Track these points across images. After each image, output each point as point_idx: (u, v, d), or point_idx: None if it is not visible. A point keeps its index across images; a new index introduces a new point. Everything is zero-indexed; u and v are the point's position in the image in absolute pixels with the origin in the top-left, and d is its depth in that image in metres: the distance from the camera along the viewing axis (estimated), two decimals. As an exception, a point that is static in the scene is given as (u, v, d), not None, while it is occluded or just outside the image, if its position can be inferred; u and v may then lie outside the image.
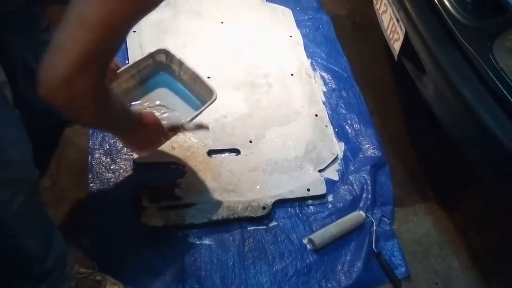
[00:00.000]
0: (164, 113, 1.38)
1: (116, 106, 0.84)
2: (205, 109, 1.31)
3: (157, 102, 1.40)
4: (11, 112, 0.91)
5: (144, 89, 1.40)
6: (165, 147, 1.51)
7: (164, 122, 1.13)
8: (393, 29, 1.61)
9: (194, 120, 1.28)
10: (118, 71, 1.30)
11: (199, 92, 1.38)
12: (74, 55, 0.64)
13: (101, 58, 0.68)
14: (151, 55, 1.38)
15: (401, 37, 1.54)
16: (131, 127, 0.99)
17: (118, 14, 0.64)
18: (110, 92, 0.79)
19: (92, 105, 0.72)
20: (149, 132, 1.05)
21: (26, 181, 0.93)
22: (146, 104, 1.38)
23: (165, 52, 1.38)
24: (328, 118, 1.81)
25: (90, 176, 1.47)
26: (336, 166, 1.68)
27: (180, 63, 1.38)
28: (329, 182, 1.62)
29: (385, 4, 1.66)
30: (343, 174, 1.67)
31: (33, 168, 0.94)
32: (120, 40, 0.71)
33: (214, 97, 1.31)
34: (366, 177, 1.65)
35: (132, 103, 1.36)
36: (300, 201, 1.55)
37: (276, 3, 2.24)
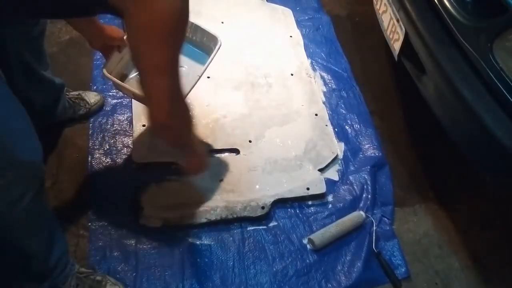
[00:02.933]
0: None
1: (191, 119, 1.09)
2: (213, 58, 1.31)
3: None
4: (19, 107, 0.92)
5: None
6: (165, 147, 1.51)
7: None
8: (393, 29, 1.61)
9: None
10: (125, 38, 1.30)
11: (201, 42, 1.37)
12: (165, 92, 0.89)
13: (179, 84, 0.91)
14: None
15: (401, 37, 1.54)
16: (195, 149, 1.22)
17: (173, 49, 0.86)
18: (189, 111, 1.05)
19: (186, 119, 1.03)
20: (201, 155, 1.30)
21: (36, 178, 0.94)
22: None
23: None
24: (328, 118, 1.81)
25: (90, 176, 1.47)
26: (336, 166, 1.68)
27: None
28: (329, 182, 1.62)
29: (385, 4, 1.66)
30: (343, 174, 1.66)
31: (42, 164, 0.95)
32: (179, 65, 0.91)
33: (219, 44, 1.31)
34: (366, 177, 1.65)
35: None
36: (300, 201, 1.55)
37: (276, 3, 2.24)
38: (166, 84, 0.87)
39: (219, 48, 1.31)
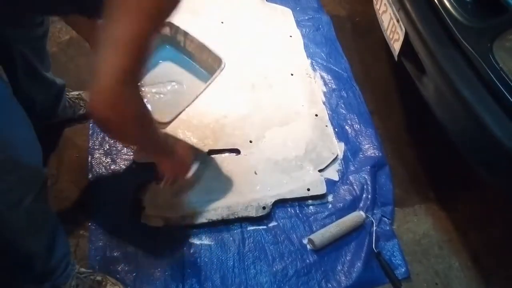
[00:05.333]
0: (174, 86, 1.37)
1: (153, 121, 0.93)
2: (215, 78, 1.29)
3: (166, 80, 1.38)
4: (21, 111, 0.92)
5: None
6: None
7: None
8: (393, 29, 1.61)
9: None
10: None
11: (206, 62, 1.36)
12: (114, 73, 0.72)
13: (137, 68, 0.76)
14: None
15: (401, 37, 1.54)
16: (167, 149, 1.09)
17: (143, 30, 0.72)
18: (143, 100, 0.87)
19: (135, 116, 0.81)
20: (179, 159, 1.15)
21: (36, 180, 0.94)
22: (156, 82, 1.36)
23: (169, 24, 1.35)
24: (328, 118, 1.81)
25: (90, 176, 1.48)
26: (336, 166, 1.68)
27: (186, 34, 1.35)
28: (329, 182, 1.62)
29: (385, 4, 1.66)
30: (343, 174, 1.67)
31: (42, 167, 0.95)
32: (149, 49, 0.77)
33: (222, 65, 1.29)
34: (366, 177, 1.65)
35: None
36: (300, 201, 1.55)
37: (276, 3, 2.24)
38: (121, 63, 0.72)
39: (222, 70, 1.29)
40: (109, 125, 0.79)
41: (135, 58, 0.74)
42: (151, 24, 0.73)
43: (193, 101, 1.26)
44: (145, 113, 0.88)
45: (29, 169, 0.90)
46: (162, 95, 1.34)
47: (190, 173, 1.28)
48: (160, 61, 1.38)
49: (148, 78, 1.36)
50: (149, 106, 1.33)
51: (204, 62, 1.37)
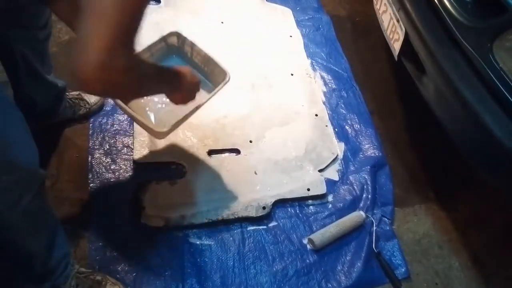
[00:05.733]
0: None
1: (150, 71, 0.87)
2: (218, 90, 1.30)
3: None
4: (17, 113, 0.92)
5: None
6: (165, 147, 1.51)
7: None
8: (393, 29, 1.61)
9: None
10: None
11: (211, 74, 1.37)
12: (102, 42, 0.67)
13: (126, 37, 0.71)
14: (164, 38, 1.36)
15: (401, 37, 1.54)
16: (171, 83, 1.02)
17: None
18: (142, 63, 0.83)
19: (128, 81, 0.75)
20: (187, 84, 1.07)
21: (34, 181, 0.94)
22: None
23: (177, 34, 1.36)
24: (328, 118, 1.81)
25: (90, 176, 1.48)
26: (336, 166, 1.68)
27: (193, 45, 1.36)
28: (329, 182, 1.62)
29: (385, 4, 1.66)
30: (343, 174, 1.67)
31: (39, 168, 0.95)
32: (140, 15, 0.73)
33: (227, 79, 1.30)
34: (366, 177, 1.65)
35: None
36: (300, 201, 1.55)
37: (276, 3, 2.24)
38: (110, 30, 0.68)
39: (225, 83, 1.30)
40: (104, 94, 0.77)
41: (124, 24, 0.69)
42: None
43: (193, 112, 1.27)
44: (142, 74, 0.82)
45: (25, 170, 0.90)
46: (164, 105, 1.35)
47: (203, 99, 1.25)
48: None
49: None
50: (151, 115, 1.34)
51: (209, 74, 1.38)
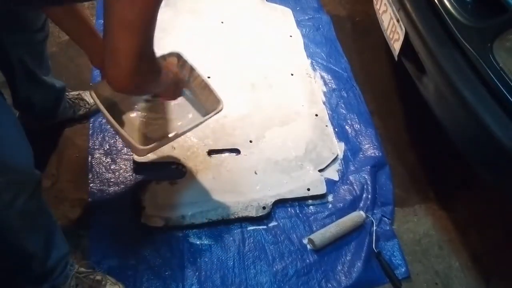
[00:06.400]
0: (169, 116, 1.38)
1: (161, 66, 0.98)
2: (208, 118, 1.29)
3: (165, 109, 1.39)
4: (10, 113, 0.92)
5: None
6: (165, 147, 1.50)
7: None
8: (393, 29, 1.61)
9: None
10: None
11: (205, 101, 1.36)
12: (129, 51, 0.77)
13: (147, 44, 0.80)
14: (163, 57, 1.32)
15: (401, 37, 1.54)
16: (166, 85, 1.13)
17: (148, 8, 0.74)
18: (159, 64, 0.95)
19: (152, 77, 0.92)
20: (170, 78, 1.15)
21: (28, 182, 0.93)
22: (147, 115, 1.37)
23: (178, 56, 1.34)
24: (328, 118, 1.81)
25: (90, 176, 1.48)
26: (336, 166, 1.68)
27: (192, 70, 1.34)
28: (329, 182, 1.62)
29: (385, 4, 1.66)
30: (343, 174, 1.67)
31: (34, 169, 0.95)
32: (155, 21, 0.80)
33: (220, 108, 1.29)
34: (366, 177, 1.65)
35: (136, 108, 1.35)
36: (300, 201, 1.55)
37: (276, 3, 2.24)
38: (136, 42, 0.77)
39: (217, 112, 1.29)
40: (130, 92, 0.93)
41: (146, 34, 0.78)
42: (152, 2, 0.75)
43: (180, 135, 1.28)
44: (160, 74, 0.96)
45: (19, 171, 0.90)
46: (155, 123, 1.35)
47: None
48: None
49: (145, 104, 1.36)
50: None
51: (204, 101, 1.37)
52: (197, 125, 1.29)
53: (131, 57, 0.77)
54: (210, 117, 1.29)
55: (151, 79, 0.91)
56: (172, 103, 1.38)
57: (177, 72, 1.22)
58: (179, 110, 1.39)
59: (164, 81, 1.08)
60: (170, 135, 1.27)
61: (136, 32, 0.75)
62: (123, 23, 0.74)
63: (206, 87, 1.34)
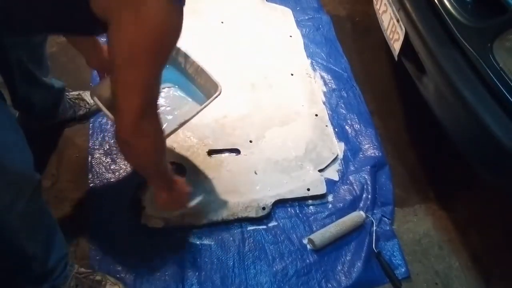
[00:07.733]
0: (167, 108, 1.38)
1: (165, 153, 1.04)
2: (209, 103, 1.30)
3: (162, 101, 1.39)
4: (8, 115, 0.92)
5: None
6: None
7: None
8: (393, 29, 1.61)
9: None
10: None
11: (203, 86, 1.37)
12: (134, 110, 0.85)
13: (150, 103, 0.89)
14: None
15: (401, 37, 1.54)
16: (168, 183, 1.14)
17: (151, 70, 0.83)
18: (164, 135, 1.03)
19: (153, 140, 0.95)
20: (177, 195, 1.19)
21: (27, 184, 0.94)
22: None
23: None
24: (328, 118, 1.81)
25: (90, 176, 1.48)
26: (336, 166, 1.68)
27: (186, 56, 1.37)
28: (329, 182, 1.62)
29: (385, 4, 1.66)
30: (343, 174, 1.66)
31: (33, 171, 0.95)
32: (159, 83, 0.90)
33: (218, 91, 1.31)
34: (366, 177, 1.65)
35: None
36: (300, 201, 1.55)
37: (276, 3, 2.24)
38: (138, 102, 0.84)
39: (216, 96, 1.31)
40: (131, 148, 0.92)
41: (148, 95, 0.86)
42: (158, 62, 0.83)
43: (182, 124, 1.27)
44: (162, 140, 1.01)
45: (18, 174, 0.90)
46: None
47: (192, 203, 1.35)
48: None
49: None
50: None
51: (201, 86, 1.38)
52: (198, 112, 1.29)
53: (136, 115, 0.86)
54: (211, 101, 1.31)
55: (154, 141, 0.96)
56: (171, 94, 1.40)
57: (187, 191, 1.24)
58: (178, 101, 1.41)
59: (168, 175, 1.13)
60: (171, 129, 1.26)
61: (143, 94, 0.85)
62: (133, 86, 0.83)
63: (202, 72, 1.36)
